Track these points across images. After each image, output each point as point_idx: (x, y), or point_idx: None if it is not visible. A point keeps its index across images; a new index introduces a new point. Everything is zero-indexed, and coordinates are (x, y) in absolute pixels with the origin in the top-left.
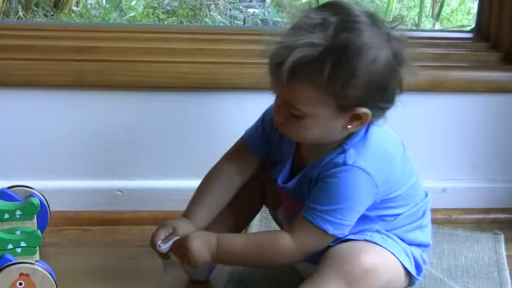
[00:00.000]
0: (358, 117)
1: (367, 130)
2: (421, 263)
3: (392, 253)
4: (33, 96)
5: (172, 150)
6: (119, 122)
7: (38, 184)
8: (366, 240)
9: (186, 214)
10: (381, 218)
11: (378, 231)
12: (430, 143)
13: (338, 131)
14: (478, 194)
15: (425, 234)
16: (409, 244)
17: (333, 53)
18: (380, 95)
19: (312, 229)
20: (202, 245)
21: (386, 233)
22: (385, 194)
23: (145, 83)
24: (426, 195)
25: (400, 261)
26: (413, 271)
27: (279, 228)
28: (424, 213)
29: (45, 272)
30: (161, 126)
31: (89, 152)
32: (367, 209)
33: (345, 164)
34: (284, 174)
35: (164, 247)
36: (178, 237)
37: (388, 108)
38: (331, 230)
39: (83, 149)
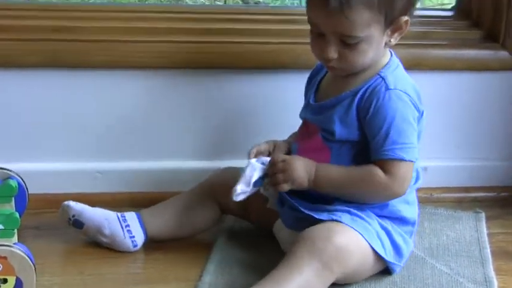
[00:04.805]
0: (399, 28)
1: (397, 64)
2: (403, 246)
3: (361, 234)
4: (10, 76)
5: (152, 131)
6: (97, 103)
7: (16, 166)
8: (335, 220)
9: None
10: None
11: (348, 211)
12: None
13: (382, 49)
14: (459, 173)
15: (411, 210)
16: (391, 217)
17: None
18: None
19: (391, 163)
20: (303, 167)
21: (357, 212)
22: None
23: (125, 63)
24: (418, 178)
25: (369, 243)
26: (384, 254)
27: None
28: (411, 191)
29: (23, 254)
30: (141, 107)
31: (67, 134)
32: None
33: (387, 88)
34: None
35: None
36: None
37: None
38: (405, 156)
39: (61, 130)
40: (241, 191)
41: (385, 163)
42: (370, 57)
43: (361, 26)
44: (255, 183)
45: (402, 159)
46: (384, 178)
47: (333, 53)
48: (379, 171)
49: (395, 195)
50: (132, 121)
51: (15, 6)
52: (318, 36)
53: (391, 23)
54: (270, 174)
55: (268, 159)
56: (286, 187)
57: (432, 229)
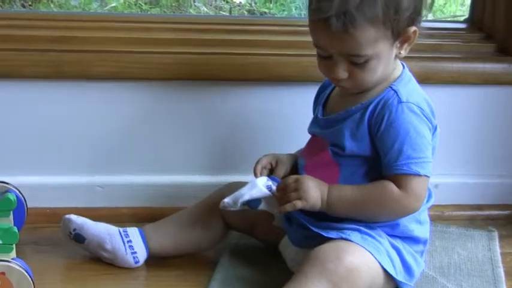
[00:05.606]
0: (407, 39)
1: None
2: (414, 265)
3: (372, 253)
4: (10, 87)
5: (155, 144)
6: (98, 114)
7: (14, 180)
8: (345, 239)
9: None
10: None
11: (358, 230)
12: None
13: (392, 62)
14: (471, 190)
15: (423, 230)
16: (402, 237)
17: None
18: (421, 7)
19: (406, 178)
20: (316, 186)
21: (367, 231)
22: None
23: (127, 74)
24: (430, 197)
25: (379, 262)
26: (394, 273)
27: None
28: (423, 210)
29: (22, 270)
30: (143, 120)
31: (67, 146)
32: None
33: (400, 101)
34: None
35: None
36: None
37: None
38: (420, 171)
39: (61, 143)
40: (227, 204)
41: (399, 178)
42: (380, 73)
43: (368, 43)
44: (248, 203)
45: (417, 174)
46: (398, 194)
47: (342, 73)
48: (393, 187)
49: (410, 212)
50: (135, 134)
51: (16, 16)
52: (325, 58)
53: (398, 35)
54: (281, 195)
55: (273, 184)
56: (299, 204)
57: (443, 248)
